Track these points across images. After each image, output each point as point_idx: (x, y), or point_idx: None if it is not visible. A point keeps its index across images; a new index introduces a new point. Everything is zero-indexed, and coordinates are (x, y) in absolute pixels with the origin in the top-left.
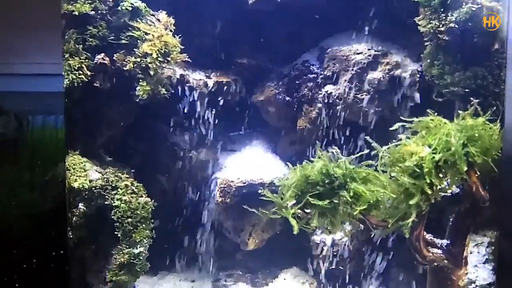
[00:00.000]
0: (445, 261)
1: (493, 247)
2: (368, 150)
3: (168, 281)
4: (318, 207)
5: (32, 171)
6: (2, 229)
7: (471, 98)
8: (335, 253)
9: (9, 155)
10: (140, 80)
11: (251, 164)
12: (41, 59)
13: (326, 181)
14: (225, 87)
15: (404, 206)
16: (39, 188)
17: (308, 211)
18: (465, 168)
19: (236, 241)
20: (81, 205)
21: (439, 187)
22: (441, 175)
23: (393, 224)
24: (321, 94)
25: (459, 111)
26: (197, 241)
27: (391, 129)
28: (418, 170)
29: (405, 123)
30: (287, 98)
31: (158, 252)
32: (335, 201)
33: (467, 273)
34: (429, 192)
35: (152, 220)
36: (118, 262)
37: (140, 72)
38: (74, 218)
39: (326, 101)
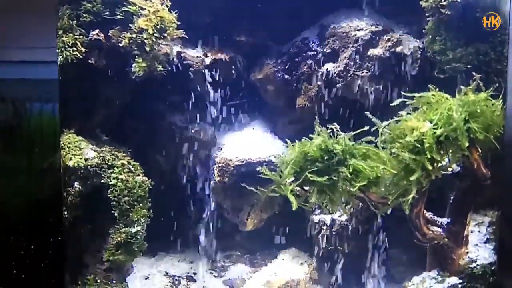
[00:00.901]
0: (445, 239)
1: (494, 227)
2: (368, 127)
3: (166, 262)
4: (317, 184)
5: (29, 158)
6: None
7: (473, 73)
8: (334, 233)
9: (7, 142)
10: (136, 57)
11: (250, 143)
12: (34, 44)
13: (325, 158)
14: (223, 65)
15: (405, 183)
16: (37, 175)
17: (307, 188)
18: (467, 144)
19: (234, 222)
20: (76, 184)
21: (440, 164)
22: (442, 152)
23: (393, 200)
24: (320, 71)
25: (461, 87)
26: (196, 222)
27: (392, 104)
28: (419, 146)
29: (406, 99)
30: (286, 76)
31: (156, 233)
32: (334, 177)
33: (467, 252)
34: (430, 168)
35: (150, 199)
36: (115, 242)
37: (136, 48)
38: (69, 198)
39: (325, 78)
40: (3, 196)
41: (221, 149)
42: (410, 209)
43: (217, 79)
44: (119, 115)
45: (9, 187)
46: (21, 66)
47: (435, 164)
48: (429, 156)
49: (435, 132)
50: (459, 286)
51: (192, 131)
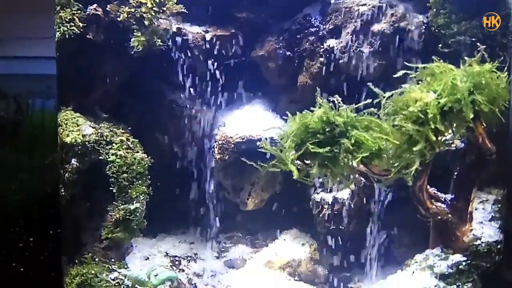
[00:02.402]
0: (449, 215)
1: (499, 205)
2: (371, 100)
3: (167, 243)
4: (318, 156)
5: (31, 154)
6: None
7: (478, 44)
8: (336, 212)
9: (9, 138)
10: (135, 31)
11: (251, 121)
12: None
13: (327, 129)
14: (224, 42)
15: (408, 155)
16: (39, 171)
17: (308, 162)
18: (471, 116)
19: (235, 201)
20: (73, 161)
21: (443, 138)
22: (446, 123)
23: (396, 173)
24: (323, 48)
25: (466, 58)
26: (196, 202)
27: (395, 76)
28: (422, 116)
29: (409, 71)
30: (288, 53)
31: (157, 214)
32: (336, 149)
33: (472, 229)
34: (434, 138)
35: (149, 177)
36: (113, 219)
37: (134, 22)
38: (66, 175)
39: (328, 55)
40: (4, 192)
41: (222, 127)
42: (413, 182)
43: (217, 56)
44: (119, 92)
45: (10, 182)
46: (22, 61)
47: (439, 135)
48: (432, 127)
49: (439, 102)
50: (463, 263)
51: (193, 109)
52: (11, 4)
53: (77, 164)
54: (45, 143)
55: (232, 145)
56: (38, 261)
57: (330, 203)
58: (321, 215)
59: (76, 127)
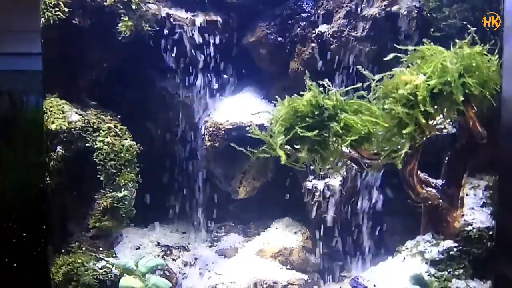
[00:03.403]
0: (440, 200)
1: (491, 191)
2: (361, 84)
3: (158, 232)
4: (308, 140)
5: (26, 150)
6: None
7: (469, 26)
8: (327, 200)
9: (3, 134)
10: (122, 16)
11: (242, 109)
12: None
13: (316, 113)
14: (214, 27)
15: (397, 139)
16: (33, 167)
17: (297, 147)
18: (461, 98)
19: (227, 190)
20: (59, 148)
21: (434, 122)
22: (436, 106)
23: (386, 156)
24: (314, 33)
25: (456, 40)
26: (188, 191)
27: (385, 59)
28: (412, 99)
29: (399, 55)
30: (279, 39)
31: (148, 204)
32: (325, 133)
33: (463, 215)
34: (423, 121)
35: (138, 164)
36: (101, 207)
37: (121, 7)
38: (51, 163)
39: (319, 40)
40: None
41: (212, 114)
42: (403, 166)
43: (208, 42)
44: (107, 79)
45: (4, 178)
46: (16, 57)
47: (429, 118)
48: (422, 109)
49: (428, 85)
50: (454, 249)
51: (183, 96)
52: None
53: (63, 151)
54: (39, 140)
55: (223, 132)
56: (32, 256)
57: (321, 190)
58: (312, 203)
59: (62, 114)
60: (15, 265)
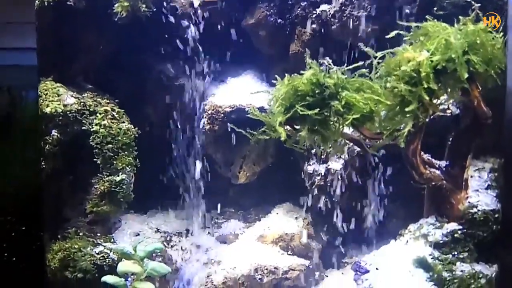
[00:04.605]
0: (444, 181)
1: (496, 174)
2: (362, 62)
3: (158, 219)
4: (308, 119)
5: (24, 147)
6: None
7: (472, 2)
8: (328, 183)
9: (1, 130)
10: None
11: (242, 92)
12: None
13: (316, 91)
14: (213, 9)
15: (400, 117)
16: (32, 163)
17: (297, 127)
18: (466, 75)
19: (227, 176)
20: (54, 132)
21: (438, 101)
22: (440, 84)
23: (388, 135)
24: (315, 13)
25: (460, 17)
26: (188, 177)
27: (387, 36)
28: (415, 75)
29: (402, 32)
30: (279, 20)
31: (147, 190)
32: (326, 112)
33: (467, 197)
34: (427, 98)
35: (136, 148)
36: (98, 192)
37: None
38: (47, 147)
39: (320, 21)
40: None
41: (212, 97)
42: (406, 145)
43: (206, 24)
44: (104, 62)
45: (3, 175)
46: (16, 52)
47: (433, 97)
48: (425, 87)
49: (432, 61)
50: (459, 232)
51: (181, 80)
52: None
53: (58, 135)
54: (38, 136)
55: (222, 115)
56: (31, 251)
57: (322, 174)
58: (313, 187)
59: (57, 97)
60: (13, 259)
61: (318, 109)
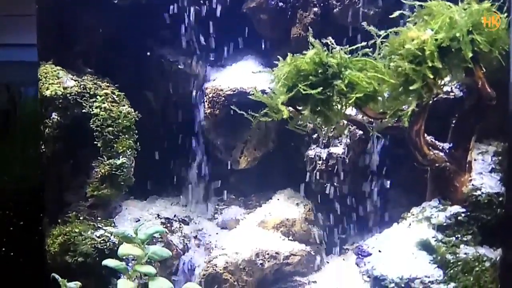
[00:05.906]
0: (447, 163)
1: (499, 157)
2: (366, 43)
3: (158, 205)
4: (311, 99)
5: (24, 144)
6: None
7: None
8: (330, 168)
9: (0, 127)
10: None
11: (243, 76)
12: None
13: (319, 71)
14: None
15: (404, 97)
16: (32, 160)
17: (300, 108)
18: (470, 55)
19: (228, 161)
20: (54, 115)
21: (442, 82)
22: (444, 63)
23: (392, 115)
24: None
25: None
26: (188, 163)
27: (391, 16)
28: (419, 54)
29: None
30: (280, 4)
31: (148, 176)
32: (328, 92)
33: (471, 180)
34: (431, 76)
35: (136, 131)
36: (99, 175)
37: None
38: (47, 130)
39: (321, 4)
40: None
41: (213, 81)
42: (410, 126)
43: (207, 8)
44: (104, 46)
45: (3, 172)
46: (15, 48)
47: (437, 77)
48: (430, 65)
49: (436, 40)
50: (462, 214)
51: (182, 64)
52: None
53: (58, 118)
54: (38, 132)
55: (223, 98)
56: (30, 247)
57: (324, 158)
58: (315, 172)
59: (57, 80)
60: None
61: (321, 88)
